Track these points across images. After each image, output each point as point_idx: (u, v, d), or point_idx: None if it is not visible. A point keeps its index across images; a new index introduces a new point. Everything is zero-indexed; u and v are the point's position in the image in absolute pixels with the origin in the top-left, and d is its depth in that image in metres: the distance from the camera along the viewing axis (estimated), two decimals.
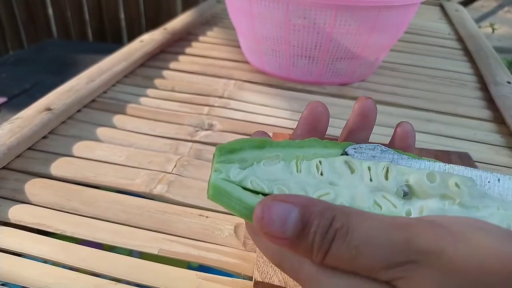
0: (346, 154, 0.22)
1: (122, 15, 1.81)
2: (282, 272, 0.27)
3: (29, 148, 0.40)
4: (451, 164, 0.21)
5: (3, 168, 0.37)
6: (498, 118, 0.53)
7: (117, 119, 0.47)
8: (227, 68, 0.62)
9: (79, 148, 0.41)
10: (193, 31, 0.76)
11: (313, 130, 0.23)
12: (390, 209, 0.19)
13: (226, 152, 0.19)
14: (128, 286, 0.27)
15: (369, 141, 0.24)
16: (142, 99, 0.51)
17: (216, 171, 0.19)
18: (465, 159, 0.40)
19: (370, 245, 0.16)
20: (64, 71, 1.19)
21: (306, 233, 0.16)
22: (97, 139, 0.43)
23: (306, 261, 0.18)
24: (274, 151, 0.21)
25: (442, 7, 1.05)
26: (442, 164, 0.21)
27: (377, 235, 0.16)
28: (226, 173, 0.19)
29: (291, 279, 0.26)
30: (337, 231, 0.16)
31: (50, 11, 1.81)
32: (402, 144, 0.23)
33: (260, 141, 0.20)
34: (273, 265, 0.27)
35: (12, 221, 0.32)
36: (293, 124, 0.47)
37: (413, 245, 0.15)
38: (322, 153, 0.22)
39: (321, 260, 0.16)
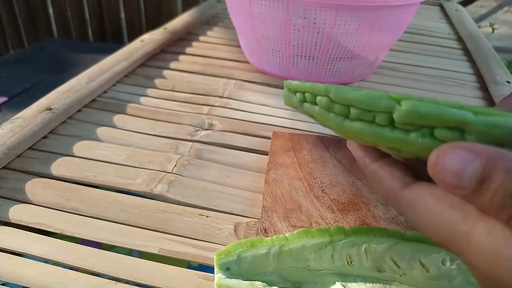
0: None
1: (122, 15, 1.81)
2: None
3: (29, 148, 0.40)
4: None
5: (4, 167, 0.38)
6: None
7: (118, 118, 0.47)
8: (227, 68, 0.62)
9: (80, 147, 0.41)
10: (193, 31, 0.76)
11: None
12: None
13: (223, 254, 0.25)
14: (128, 285, 0.27)
15: None
16: (143, 99, 0.52)
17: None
18: None
19: None
20: (64, 71, 1.19)
21: (485, 189, 0.14)
22: (97, 139, 0.43)
23: (478, 226, 0.15)
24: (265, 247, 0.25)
25: (442, 7, 1.05)
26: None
27: None
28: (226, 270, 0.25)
29: None
30: None
31: (51, 10, 1.81)
32: None
33: (250, 241, 0.25)
34: None
35: (13, 221, 0.32)
36: (293, 124, 0.47)
37: None
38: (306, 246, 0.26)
39: (505, 221, 0.14)
